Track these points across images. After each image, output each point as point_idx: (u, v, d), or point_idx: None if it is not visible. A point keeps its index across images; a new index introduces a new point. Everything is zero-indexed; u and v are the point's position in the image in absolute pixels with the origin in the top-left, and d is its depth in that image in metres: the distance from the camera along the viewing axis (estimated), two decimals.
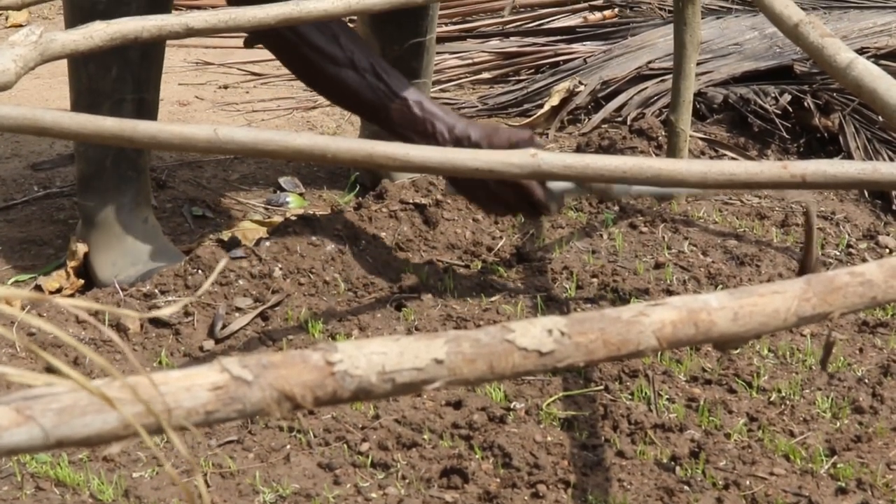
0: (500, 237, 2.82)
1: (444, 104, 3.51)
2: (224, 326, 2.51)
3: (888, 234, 2.95)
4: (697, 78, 3.16)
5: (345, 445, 2.23)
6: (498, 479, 2.13)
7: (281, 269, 2.63)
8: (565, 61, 3.79)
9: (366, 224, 2.78)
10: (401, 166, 1.93)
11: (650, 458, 2.19)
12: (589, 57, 3.76)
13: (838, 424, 2.30)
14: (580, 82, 3.54)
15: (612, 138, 3.18)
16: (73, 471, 2.17)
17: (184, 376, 1.03)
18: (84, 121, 1.84)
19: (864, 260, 2.82)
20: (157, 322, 2.52)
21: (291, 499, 2.11)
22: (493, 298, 2.62)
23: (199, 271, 2.62)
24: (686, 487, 2.12)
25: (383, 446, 2.22)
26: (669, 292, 2.64)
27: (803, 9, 2.64)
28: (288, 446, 2.23)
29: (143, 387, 1.00)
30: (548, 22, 4.13)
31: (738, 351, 2.46)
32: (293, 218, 2.79)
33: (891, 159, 3.17)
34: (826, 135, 3.29)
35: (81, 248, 2.80)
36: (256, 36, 2.68)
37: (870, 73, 2.11)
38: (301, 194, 3.23)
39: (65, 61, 2.66)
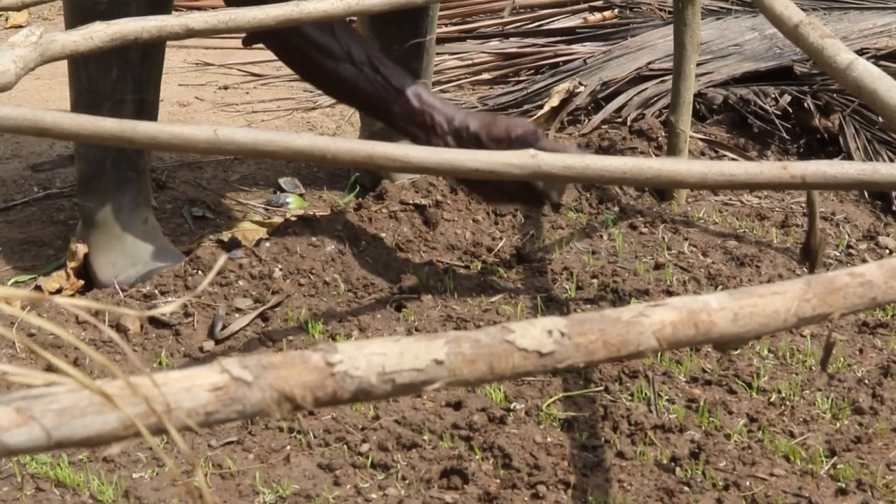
0: (500, 238, 2.82)
1: None
2: (224, 327, 2.51)
3: (888, 235, 2.95)
4: (697, 79, 3.16)
5: (345, 446, 2.23)
6: (498, 480, 2.13)
7: (281, 269, 2.63)
8: (565, 62, 3.79)
9: (366, 225, 2.78)
10: (400, 167, 1.94)
11: (650, 458, 2.19)
12: (589, 58, 3.76)
13: (838, 425, 2.30)
14: (580, 83, 3.53)
15: (612, 139, 3.18)
16: (73, 471, 2.17)
17: (184, 377, 1.03)
18: (84, 121, 1.84)
19: (864, 261, 2.82)
20: (157, 323, 2.52)
21: (291, 499, 2.11)
22: (493, 299, 2.62)
23: (200, 272, 2.62)
24: (686, 488, 2.12)
25: (383, 447, 2.22)
26: (669, 293, 2.64)
27: (803, 10, 2.64)
28: (288, 447, 2.23)
29: (144, 387, 1.00)
30: (548, 23, 4.13)
31: (738, 352, 2.46)
32: (293, 218, 2.79)
33: (891, 160, 3.17)
34: (826, 135, 3.29)
35: (81, 249, 2.80)
36: (255, 34, 2.68)
37: (870, 73, 2.11)
38: (301, 195, 3.23)
39: (65, 62, 2.66)
